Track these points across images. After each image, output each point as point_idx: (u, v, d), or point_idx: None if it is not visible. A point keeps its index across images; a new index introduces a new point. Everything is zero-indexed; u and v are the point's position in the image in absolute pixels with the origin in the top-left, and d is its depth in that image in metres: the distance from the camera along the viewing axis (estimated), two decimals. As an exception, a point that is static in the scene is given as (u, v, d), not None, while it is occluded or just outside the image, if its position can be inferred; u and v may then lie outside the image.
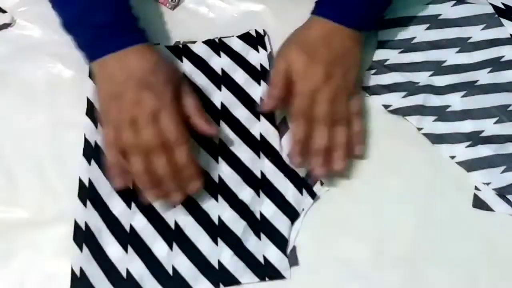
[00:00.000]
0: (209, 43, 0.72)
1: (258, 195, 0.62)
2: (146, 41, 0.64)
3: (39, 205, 0.62)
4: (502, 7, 0.74)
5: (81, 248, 0.58)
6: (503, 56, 0.71)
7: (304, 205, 0.62)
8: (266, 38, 0.72)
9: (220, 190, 0.63)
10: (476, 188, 0.63)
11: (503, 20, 0.73)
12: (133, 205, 0.61)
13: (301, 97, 0.63)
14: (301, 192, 0.62)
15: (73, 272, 0.58)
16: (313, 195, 0.62)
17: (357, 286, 0.58)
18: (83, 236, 0.59)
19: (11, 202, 0.62)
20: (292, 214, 0.61)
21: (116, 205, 0.61)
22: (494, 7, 0.74)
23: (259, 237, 0.60)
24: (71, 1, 0.64)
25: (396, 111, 0.67)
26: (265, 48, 0.72)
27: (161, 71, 0.62)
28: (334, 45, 0.64)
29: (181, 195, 0.60)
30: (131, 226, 0.60)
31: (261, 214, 0.61)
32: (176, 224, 0.61)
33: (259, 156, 0.65)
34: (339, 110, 0.63)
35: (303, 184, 0.63)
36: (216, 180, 0.63)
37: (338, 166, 0.62)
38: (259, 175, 0.63)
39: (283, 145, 0.65)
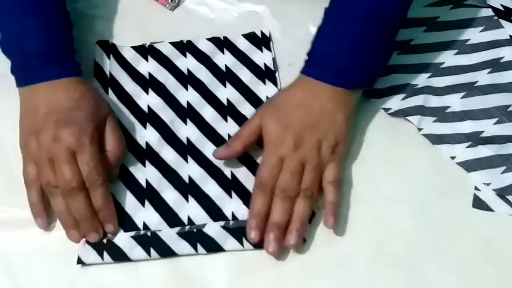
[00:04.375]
0: (213, 40, 0.72)
1: None
2: (77, 75, 0.63)
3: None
4: (502, 9, 0.75)
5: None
6: (502, 57, 0.71)
7: (318, 202, 0.62)
8: (271, 43, 0.73)
9: (234, 187, 0.63)
10: (476, 189, 0.63)
11: (503, 22, 0.74)
12: (146, 203, 0.62)
13: (266, 167, 0.60)
14: None
15: None
16: None
17: (357, 286, 0.58)
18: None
19: (11, 202, 0.61)
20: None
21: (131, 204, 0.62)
22: (493, 9, 0.75)
23: None
24: (7, 22, 0.63)
25: (396, 113, 0.67)
26: (269, 49, 0.72)
27: (84, 107, 0.60)
28: (312, 109, 0.62)
29: (98, 235, 0.59)
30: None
31: None
32: (189, 218, 0.61)
33: None
34: (305, 181, 0.60)
35: None
36: (229, 176, 0.63)
37: (290, 242, 0.58)
38: None
39: None
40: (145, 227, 0.60)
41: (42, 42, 0.62)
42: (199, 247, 0.58)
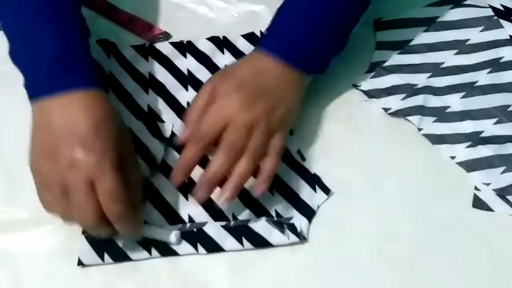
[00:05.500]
0: (213, 40, 0.72)
1: (272, 193, 0.62)
2: (97, 87, 0.55)
3: (39, 205, 0.61)
4: (502, 8, 0.75)
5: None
6: (502, 57, 0.71)
7: (318, 201, 0.62)
8: None
9: None
10: (476, 189, 0.63)
11: (503, 22, 0.74)
12: (146, 202, 0.61)
13: (213, 118, 0.58)
14: (314, 190, 0.62)
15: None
16: (326, 191, 0.62)
17: (357, 286, 0.58)
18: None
19: (11, 202, 0.61)
20: (307, 212, 0.61)
21: None
22: (493, 9, 0.75)
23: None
24: (19, 29, 0.57)
25: (396, 113, 0.67)
26: None
27: (108, 129, 0.53)
28: (266, 78, 0.60)
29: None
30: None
31: (277, 212, 0.61)
32: (189, 217, 0.61)
33: None
34: (254, 141, 0.57)
35: (316, 181, 0.63)
36: None
37: (224, 194, 0.57)
38: None
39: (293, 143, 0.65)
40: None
41: (56, 47, 0.55)
42: (199, 247, 0.59)
